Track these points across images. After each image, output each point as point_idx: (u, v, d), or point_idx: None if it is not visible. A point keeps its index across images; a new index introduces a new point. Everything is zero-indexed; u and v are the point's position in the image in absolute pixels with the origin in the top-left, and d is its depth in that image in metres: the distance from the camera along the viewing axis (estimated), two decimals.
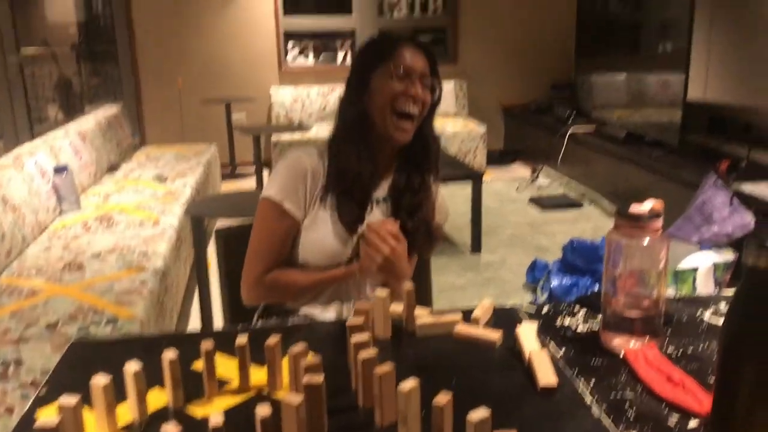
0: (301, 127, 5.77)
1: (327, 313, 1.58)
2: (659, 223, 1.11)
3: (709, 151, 4.25)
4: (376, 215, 1.58)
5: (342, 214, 1.53)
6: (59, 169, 3.55)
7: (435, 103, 1.56)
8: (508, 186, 5.86)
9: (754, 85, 4.04)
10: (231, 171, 6.14)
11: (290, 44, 6.52)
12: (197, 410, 1.00)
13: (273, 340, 1.04)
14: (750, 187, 3.45)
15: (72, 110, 5.96)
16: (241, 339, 1.05)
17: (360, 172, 1.53)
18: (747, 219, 3.25)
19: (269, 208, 1.53)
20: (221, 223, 2.33)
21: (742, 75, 4.18)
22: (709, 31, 4.42)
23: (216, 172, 5.45)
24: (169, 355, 1.00)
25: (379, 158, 1.57)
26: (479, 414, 0.82)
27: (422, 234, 1.60)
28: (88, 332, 2.16)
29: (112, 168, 4.65)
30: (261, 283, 1.55)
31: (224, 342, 1.12)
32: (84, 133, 4.32)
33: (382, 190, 1.60)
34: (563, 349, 1.17)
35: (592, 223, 4.74)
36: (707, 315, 1.30)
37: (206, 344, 1.03)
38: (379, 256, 1.42)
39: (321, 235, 1.54)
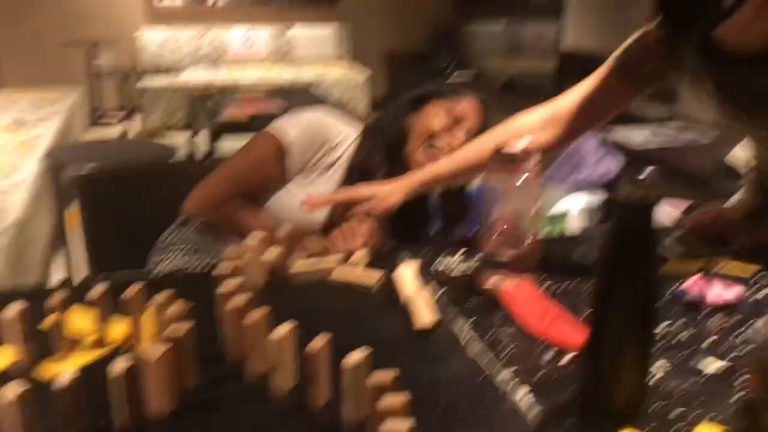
0: (169, 71, 5.48)
1: None
2: (534, 161, 1.11)
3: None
4: None
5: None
6: None
7: None
8: None
9: (625, 33, 4.20)
10: (96, 118, 5.77)
11: None
12: (48, 369, 0.92)
13: (134, 289, 0.96)
14: (619, 134, 3.61)
15: None
16: (98, 289, 0.97)
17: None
18: (616, 164, 3.40)
19: (271, 145, 1.47)
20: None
21: (615, 22, 4.34)
22: None
23: (79, 119, 5.10)
24: (15, 307, 0.90)
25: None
26: (355, 357, 0.79)
27: None
28: None
29: None
30: (214, 207, 1.48)
31: (83, 296, 1.03)
32: None
33: None
34: (441, 290, 1.16)
35: None
36: (580, 252, 1.34)
37: (58, 296, 0.94)
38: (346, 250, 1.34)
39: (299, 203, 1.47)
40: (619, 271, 0.80)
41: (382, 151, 1.53)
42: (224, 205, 1.49)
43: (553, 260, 1.29)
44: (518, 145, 1.12)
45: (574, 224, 3.12)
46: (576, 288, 1.18)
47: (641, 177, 0.76)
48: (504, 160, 1.11)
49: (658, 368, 0.94)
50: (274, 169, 1.49)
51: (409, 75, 6.49)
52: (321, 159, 1.51)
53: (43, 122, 4.06)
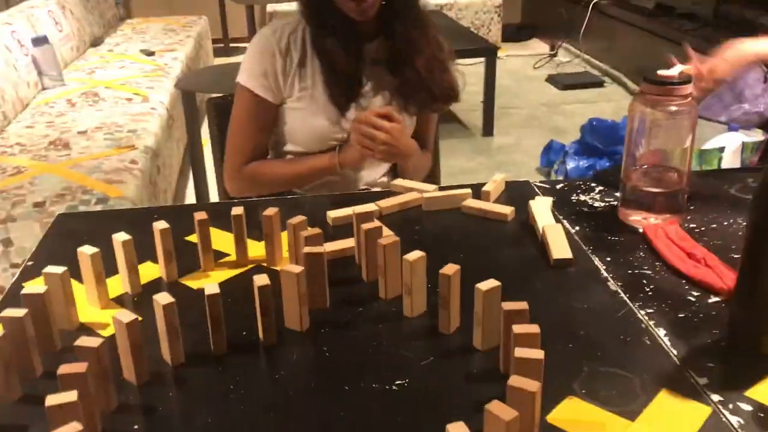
0: None
1: None
2: (688, 89, 1.08)
3: (745, 23, 4.11)
4: (369, 85, 1.51)
5: (331, 95, 1.47)
6: (38, 41, 3.46)
7: None
8: (525, 63, 5.72)
9: None
10: (224, 46, 5.99)
11: None
12: (192, 283, 1.01)
13: (271, 210, 1.03)
14: None
15: None
16: (237, 210, 1.05)
17: (338, 51, 1.44)
18: None
19: (241, 95, 1.50)
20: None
21: None
22: None
23: (207, 47, 5.32)
24: (160, 225, 0.99)
25: (357, 23, 1.44)
26: (488, 283, 0.82)
27: (434, 83, 1.50)
28: (79, 211, 2.17)
29: (96, 42, 4.54)
30: (241, 175, 1.53)
31: (220, 216, 1.12)
32: (63, 2, 4.19)
33: (372, 50, 1.50)
34: (578, 226, 1.16)
35: (613, 103, 4.65)
36: (734, 190, 1.29)
37: (200, 215, 1.02)
38: (377, 144, 1.39)
39: (308, 115, 1.49)
40: None
41: (323, 26, 1.45)
42: (247, 173, 1.52)
43: (703, 196, 1.26)
44: (674, 70, 1.08)
45: (729, 163, 2.97)
46: (728, 226, 1.15)
47: None
48: (657, 85, 1.07)
49: None
50: (259, 112, 1.50)
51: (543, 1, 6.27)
52: (287, 66, 1.47)
53: (171, 51, 4.28)
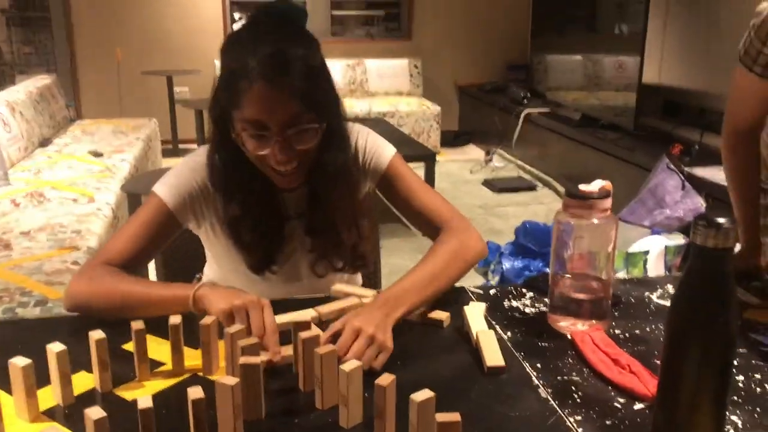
0: None
1: None
2: (608, 203, 1.12)
3: (662, 134, 4.34)
4: (292, 242, 1.38)
5: (246, 258, 1.35)
6: None
7: (332, 139, 1.29)
8: (462, 167, 5.88)
9: (708, 70, 4.13)
10: (173, 148, 6.01)
11: (237, 14, 6.40)
12: (127, 394, 0.98)
13: (209, 319, 1.02)
14: (702, 171, 3.54)
15: (1, 80, 5.74)
16: (175, 319, 1.03)
17: (251, 209, 1.31)
18: (698, 203, 3.33)
19: (152, 203, 1.32)
20: None
21: (697, 60, 4.26)
22: (665, 15, 4.49)
23: (156, 149, 5.33)
24: (96, 334, 0.97)
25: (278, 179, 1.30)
26: (422, 395, 0.82)
27: (345, 248, 1.39)
28: (15, 314, 2.09)
29: (45, 142, 4.50)
30: (90, 272, 1.26)
31: (157, 325, 1.09)
32: (13, 104, 4.17)
33: (295, 203, 1.37)
34: (510, 332, 1.18)
35: (545, 206, 4.80)
36: (655, 297, 1.33)
37: (137, 324, 1.00)
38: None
39: (223, 268, 1.41)
40: (695, 317, 0.80)
41: (238, 189, 1.31)
42: (98, 270, 1.27)
43: (627, 303, 1.29)
44: (594, 185, 1.13)
45: (653, 265, 3.06)
46: (650, 332, 1.18)
47: (720, 221, 0.77)
48: (579, 200, 1.11)
49: (734, 422, 0.93)
50: (164, 227, 1.33)
51: (483, 108, 6.52)
52: (212, 206, 1.35)
53: (120, 152, 4.27)
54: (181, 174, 1.34)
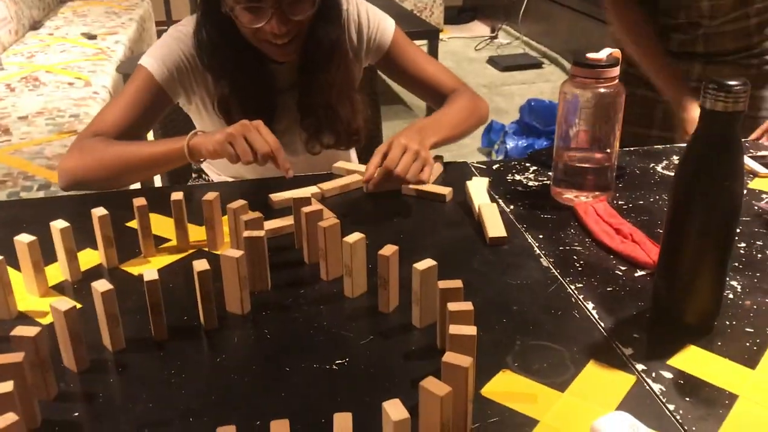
0: None
1: None
2: (616, 71, 1.09)
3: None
4: (285, 117, 1.35)
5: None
6: None
7: (326, 9, 1.26)
8: (466, 45, 5.74)
9: None
10: (167, 29, 5.85)
11: None
12: (132, 269, 0.99)
13: (211, 195, 1.02)
14: None
15: None
16: (177, 195, 1.03)
17: (241, 84, 1.28)
18: None
19: (139, 75, 1.28)
20: None
21: None
22: None
23: (151, 30, 5.19)
24: (99, 212, 0.97)
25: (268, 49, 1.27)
26: (425, 263, 0.83)
27: (340, 121, 1.36)
28: (20, 198, 2.10)
29: (36, 25, 4.38)
30: (81, 144, 1.24)
31: (160, 201, 1.09)
32: None
33: (286, 75, 1.35)
34: (513, 205, 1.18)
35: (551, 83, 4.71)
36: (660, 167, 1.32)
37: (139, 201, 1.00)
38: (246, 156, 1.08)
39: (207, 125, 1.37)
40: (701, 181, 0.80)
41: (229, 60, 1.28)
42: (89, 141, 1.24)
43: (630, 174, 1.29)
44: (603, 53, 1.10)
45: None
46: (653, 203, 1.18)
47: (730, 83, 0.75)
48: (586, 68, 1.08)
49: (733, 287, 0.94)
50: (153, 100, 1.29)
51: None
52: (197, 70, 1.31)
53: (114, 34, 4.16)
54: (167, 45, 1.30)
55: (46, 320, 0.87)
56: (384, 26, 1.41)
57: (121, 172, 1.20)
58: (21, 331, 0.72)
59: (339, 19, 1.32)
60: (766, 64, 1.60)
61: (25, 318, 0.89)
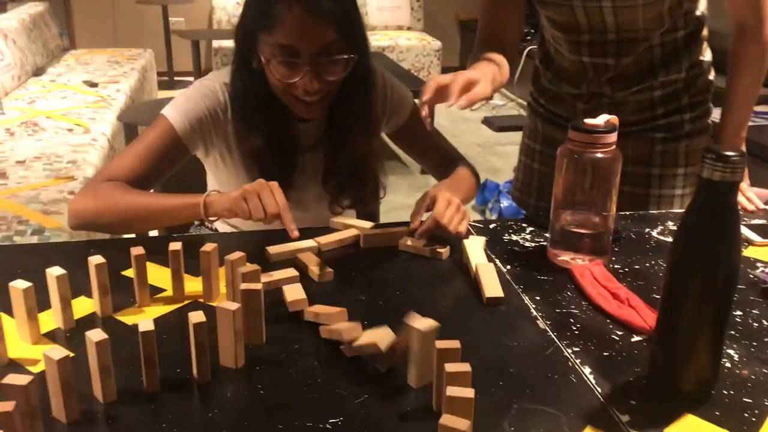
0: None
1: None
2: (613, 137, 1.11)
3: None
4: (303, 173, 1.37)
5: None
6: None
7: (358, 74, 1.29)
8: None
9: None
10: (168, 80, 5.93)
11: None
12: (127, 318, 0.98)
13: (209, 246, 1.02)
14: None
15: None
16: (175, 245, 1.03)
17: (271, 140, 1.30)
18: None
19: (161, 126, 1.29)
20: None
21: None
22: None
23: (152, 80, 5.26)
24: (96, 259, 0.97)
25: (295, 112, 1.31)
26: (427, 323, 0.83)
27: (364, 179, 1.41)
28: (13, 243, 2.09)
29: (38, 71, 4.44)
30: (95, 188, 1.25)
31: (157, 251, 1.09)
32: (5, 31, 4.09)
33: (310, 135, 1.38)
34: (509, 265, 1.18)
35: None
36: (655, 233, 1.33)
37: (136, 250, 1.00)
38: (257, 214, 1.11)
39: (228, 177, 1.38)
40: (698, 249, 0.80)
41: (258, 115, 1.30)
42: (104, 185, 1.25)
43: (627, 239, 1.29)
44: (599, 119, 1.12)
45: None
46: (649, 268, 1.18)
47: (728, 154, 0.76)
48: (584, 133, 1.10)
49: (730, 355, 0.94)
50: (172, 151, 1.31)
51: None
52: (221, 130, 1.33)
53: (115, 83, 4.21)
54: (192, 99, 1.32)
55: (36, 368, 0.86)
56: (406, 101, 1.48)
57: (133, 220, 1.23)
58: (12, 379, 0.71)
59: (370, 84, 1.36)
60: (676, 140, 1.50)
61: (16, 366, 0.87)
